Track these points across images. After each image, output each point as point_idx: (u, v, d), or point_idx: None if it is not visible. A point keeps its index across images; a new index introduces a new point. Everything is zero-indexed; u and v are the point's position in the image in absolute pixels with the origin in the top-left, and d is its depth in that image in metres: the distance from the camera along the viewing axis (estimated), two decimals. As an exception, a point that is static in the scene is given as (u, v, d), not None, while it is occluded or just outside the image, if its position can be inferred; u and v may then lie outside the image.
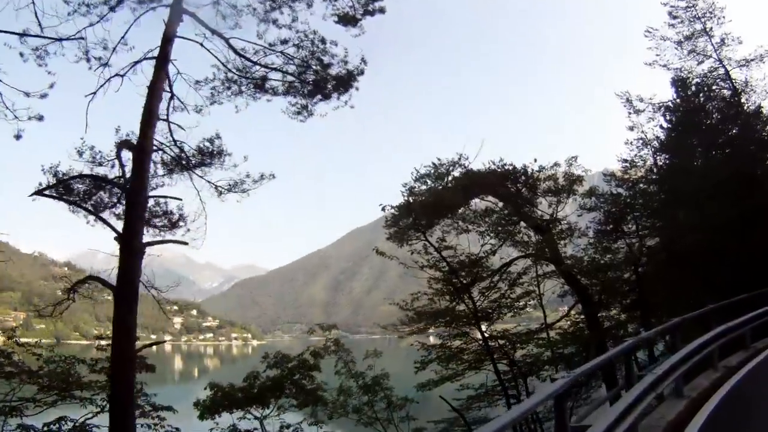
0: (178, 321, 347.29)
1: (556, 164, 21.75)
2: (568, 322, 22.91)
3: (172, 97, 16.20)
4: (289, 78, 17.06)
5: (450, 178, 20.86)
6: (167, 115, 16.20)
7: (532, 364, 21.17)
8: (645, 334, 14.84)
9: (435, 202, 20.31)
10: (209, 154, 17.03)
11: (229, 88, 17.07)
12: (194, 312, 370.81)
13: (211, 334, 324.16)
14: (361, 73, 16.70)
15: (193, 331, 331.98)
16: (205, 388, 18.32)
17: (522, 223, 21.73)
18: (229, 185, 17.55)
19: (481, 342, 20.22)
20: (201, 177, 17.32)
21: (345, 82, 16.82)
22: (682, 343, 13.60)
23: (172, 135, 16.56)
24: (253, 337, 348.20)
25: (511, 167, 21.03)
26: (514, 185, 21.15)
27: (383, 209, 21.13)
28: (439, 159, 21.18)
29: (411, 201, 20.98)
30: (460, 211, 21.49)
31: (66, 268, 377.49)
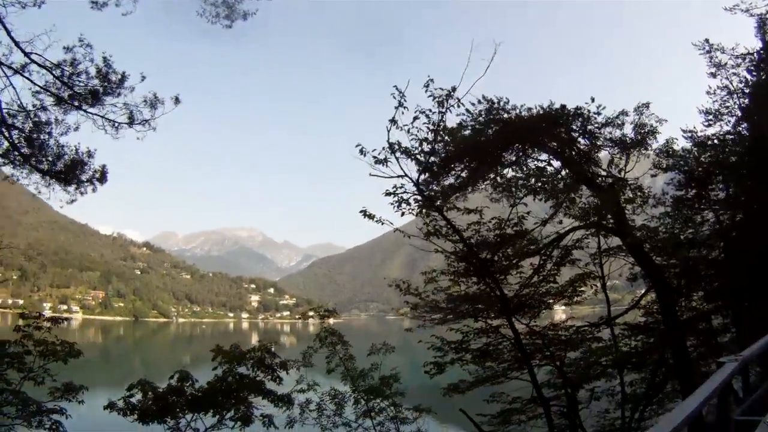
0: (255, 299, 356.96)
1: (622, 112, 16.36)
2: (639, 314, 18.07)
3: None
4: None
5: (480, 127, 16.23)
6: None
7: (586, 370, 16.40)
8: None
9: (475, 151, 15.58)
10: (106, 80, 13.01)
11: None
12: (271, 290, 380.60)
13: (288, 312, 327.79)
14: None
15: (270, 309, 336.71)
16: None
17: (578, 184, 16.76)
18: (129, 118, 13.56)
19: (517, 338, 15.65)
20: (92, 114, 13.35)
21: None
22: None
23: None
24: (329, 315, 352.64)
25: (561, 109, 15.92)
26: (567, 133, 16.15)
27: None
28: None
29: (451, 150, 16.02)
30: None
31: (144, 248, 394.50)
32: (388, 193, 14.52)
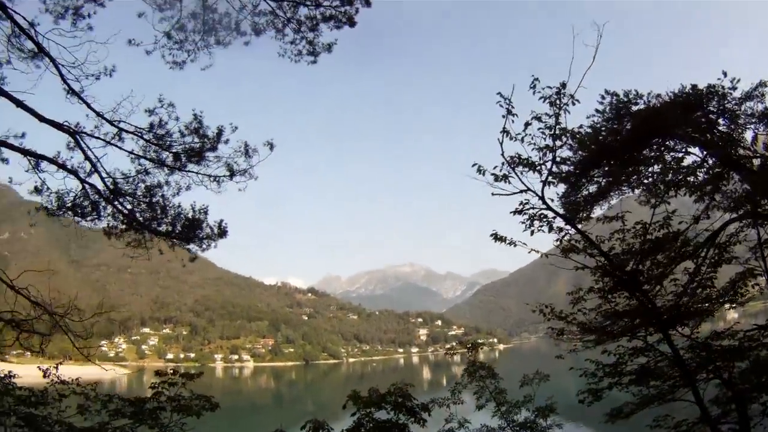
0: (423, 332, 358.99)
1: (761, 84, 14.35)
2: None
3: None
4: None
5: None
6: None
7: (759, 380, 13.70)
8: None
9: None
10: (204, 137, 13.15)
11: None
12: (439, 322, 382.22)
13: (456, 343, 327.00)
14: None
15: (439, 341, 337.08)
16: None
17: (725, 171, 14.77)
18: (229, 170, 13.50)
19: (676, 354, 13.75)
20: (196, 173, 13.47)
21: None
22: None
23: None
24: (499, 341, 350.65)
25: (693, 90, 14.14)
26: (704, 116, 14.34)
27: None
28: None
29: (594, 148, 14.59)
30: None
31: (309, 294, 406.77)
32: (514, 212, 13.15)
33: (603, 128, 14.53)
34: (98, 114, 11.98)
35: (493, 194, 12.44)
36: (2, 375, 12.77)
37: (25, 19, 11.09)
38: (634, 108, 14.34)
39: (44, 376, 13.05)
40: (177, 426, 13.49)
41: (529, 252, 13.59)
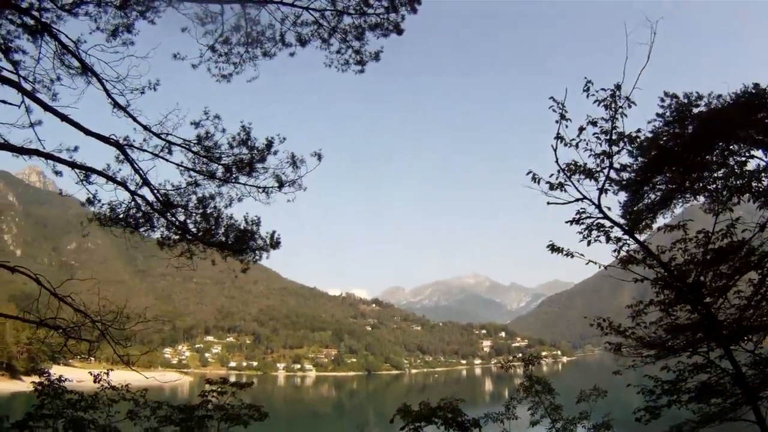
0: (486, 344, 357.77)
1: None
2: None
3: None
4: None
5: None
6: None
7: None
8: None
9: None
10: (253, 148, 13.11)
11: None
12: (502, 334, 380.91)
13: (520, 354, 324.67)
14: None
15: (502, 353, 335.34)
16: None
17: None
18: (278, 182, 13.34)
19: (738, 370, 13.02)
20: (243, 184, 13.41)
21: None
22: None
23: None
24: (562, 353, 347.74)
25: (756, 89, 13.42)
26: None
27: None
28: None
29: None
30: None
31: (374, 305, 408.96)
32: (570, 222, 12.64)
33: (664, 132, 13.99)
34: (145, 127, 12.05)
35: (548, 203, 12.03)
36: (54, 379, 13.02)
37: (68, 37, 11.28)
38: (695, 110, 13.73)
39: (95, 381, 13.41)
40: None
41: (587, 264, 13.06)
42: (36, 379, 13.17)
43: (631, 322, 14.23)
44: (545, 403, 15.66)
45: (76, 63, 11.55)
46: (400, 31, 12.92)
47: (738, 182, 13.41)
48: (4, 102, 10.65)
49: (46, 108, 10.67)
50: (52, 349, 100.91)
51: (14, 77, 10.78)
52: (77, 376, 15.51)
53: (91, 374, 13.41)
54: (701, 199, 14.56)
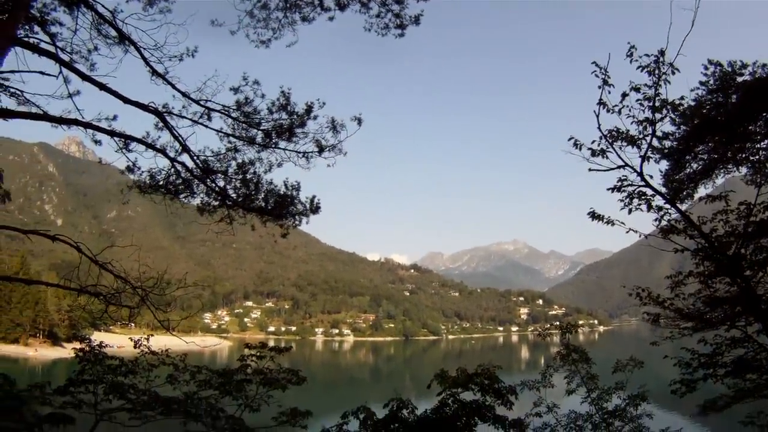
0: (524, 311, 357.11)
1: None
2: None
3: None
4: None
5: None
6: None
7: None
8: None
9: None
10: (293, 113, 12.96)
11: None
12: (540, 301, 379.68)
13: (557, 323, 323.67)
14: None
15: (540, 321, 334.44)
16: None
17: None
18: (318, 146, 13.21)
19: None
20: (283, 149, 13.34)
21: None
22: None
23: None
24: (599, 323, 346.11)
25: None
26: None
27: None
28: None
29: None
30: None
31: (412, 270, 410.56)
32: (611, 189, 12.59)
33: (707, 101, 13.77)
34: (184, 94, 12.08)
35: (590, 170, 12.00)
36: (94, 345, 13.20)
37: (105, 7, 11.30)
38: (739, 79, 13.48)
39: (135, 347, 13.55)
40: (263, 398, 13.81)
41: (627, 232, 12.99)
42: (77, 345, 13.33)
43: (669, 293, 14.20)
44: (581, 372, 15.60)
45: (113, 32, 11.59)
46: (440, -7, 12.74)
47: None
48: (42, 73, 10.75)
49: (84, 78, 10.72)
50: (92, 316, 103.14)
51: (51, 48, 10.86)
52: (118, 341, 15.67)
53: (131, 340, 13.63)
54: (743, 170, 14.24)
